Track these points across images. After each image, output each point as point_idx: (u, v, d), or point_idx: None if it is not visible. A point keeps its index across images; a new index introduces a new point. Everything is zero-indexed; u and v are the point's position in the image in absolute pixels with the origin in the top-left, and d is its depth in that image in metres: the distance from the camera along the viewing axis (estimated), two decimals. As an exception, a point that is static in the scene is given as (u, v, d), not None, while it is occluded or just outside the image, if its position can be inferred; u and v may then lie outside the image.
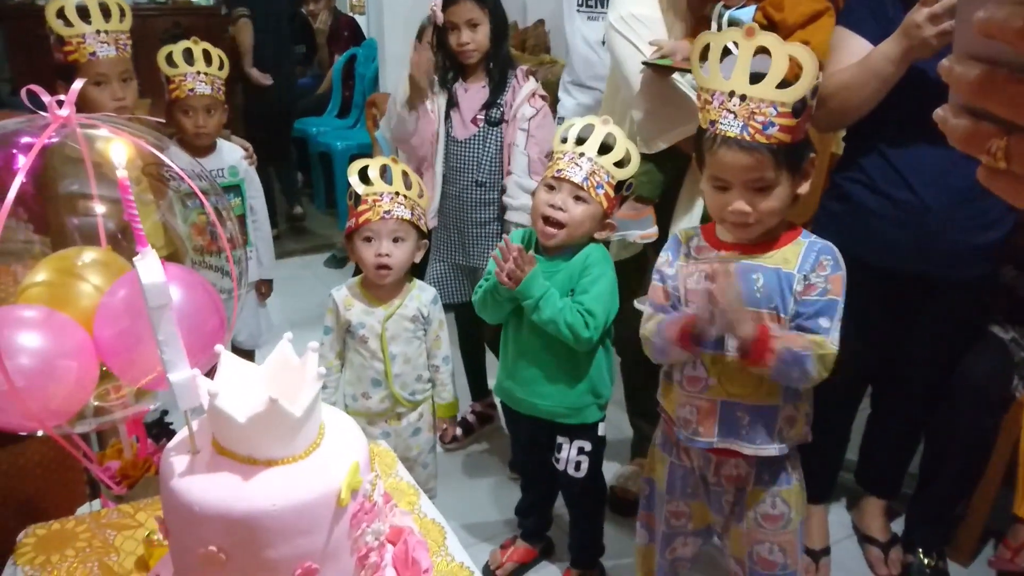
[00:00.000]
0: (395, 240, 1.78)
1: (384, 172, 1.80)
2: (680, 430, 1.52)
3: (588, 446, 1.84)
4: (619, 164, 1.70)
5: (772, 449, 1.47)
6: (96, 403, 1.20)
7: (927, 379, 2.03)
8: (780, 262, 1.42)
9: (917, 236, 1.76)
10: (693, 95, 1.99)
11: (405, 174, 1.82)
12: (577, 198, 1.68)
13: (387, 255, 1.77)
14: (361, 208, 1.76)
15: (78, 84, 1.12)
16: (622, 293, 1.81)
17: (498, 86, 2.28)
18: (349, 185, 1.79)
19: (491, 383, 2.37)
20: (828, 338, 1.41)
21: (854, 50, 1.75)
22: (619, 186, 1.72)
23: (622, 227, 1.95)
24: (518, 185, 2.26)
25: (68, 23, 1.95)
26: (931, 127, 1.54)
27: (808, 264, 1.41)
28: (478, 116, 2.30)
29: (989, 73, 0.45)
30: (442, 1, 2.22)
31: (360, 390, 1.90)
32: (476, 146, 2.31)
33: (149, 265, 0.70)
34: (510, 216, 2.29)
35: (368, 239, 1.78)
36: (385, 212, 1.75)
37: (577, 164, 1.67)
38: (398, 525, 0.83)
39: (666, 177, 2.01)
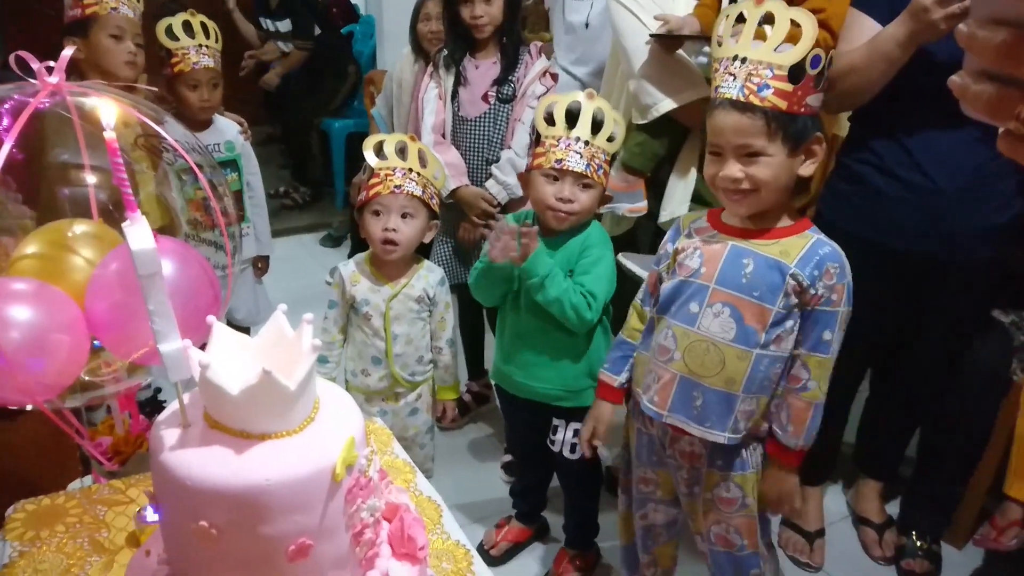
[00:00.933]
0: (404, 216, 1.76)
1: (402, 150, 1.79)
2: (641, 395, 1.52)
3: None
4: (611, 139, 1.68)
5: (720, 437, 1.43)
6: (88, 377, 1.19)
7: (932, 363, 2.02)
8: (778, 252, 1.38)
9: (927, 217, 1.75)
10: (695, 64, 1.97)
11: (422, 153, 1.80)
12: (584, 186, 1.67)
13: (394, 230, 1.75)
14: (372, 181, 1.75)
15: (68, 51, 1.09)
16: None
17: (511, 62, 2.23)
18: (363, 160, 1.78)
19: (489, 364, 2.36)
20: (828, 354, 1.41)
21: (864, 31, 1.73)
22: (612, 159, 1.71)
23: (617, 198, 1.95)
24: (511, 163, 2.23)
25: None
26: (941, 109, 1.54)
27: (810, 265, 1.36)
28: (489, 93, 2.25)
29: (1017, 36, 0.43)
30: None
31: (360, 367, 1.88)
32: (487, 124, 2.26)
33: (139, 232, 0.68)
34: (490, 186, 2.25)
35: (377, 213, 1.76)
36: (396, 187, 1.74)
37: (577, 152, 1.64)
38: (394, 502, 0.81)
39: (660, 150, 2.00)
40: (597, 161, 1.66)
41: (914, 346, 2.01)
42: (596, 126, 1.66)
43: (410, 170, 1.77)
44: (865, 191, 1.83)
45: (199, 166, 1.21)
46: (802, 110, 1.31)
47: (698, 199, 1.97)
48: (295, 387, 0.66)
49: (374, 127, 3.15)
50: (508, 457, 2.43)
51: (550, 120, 1.66)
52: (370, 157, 1.76)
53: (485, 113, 2.26)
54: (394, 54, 3.60)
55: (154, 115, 1.19)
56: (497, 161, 2.27)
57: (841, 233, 1.89)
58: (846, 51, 1.75)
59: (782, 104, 1.29)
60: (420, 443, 1.98)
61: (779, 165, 1.33)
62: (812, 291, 1.36)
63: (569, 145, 1.64)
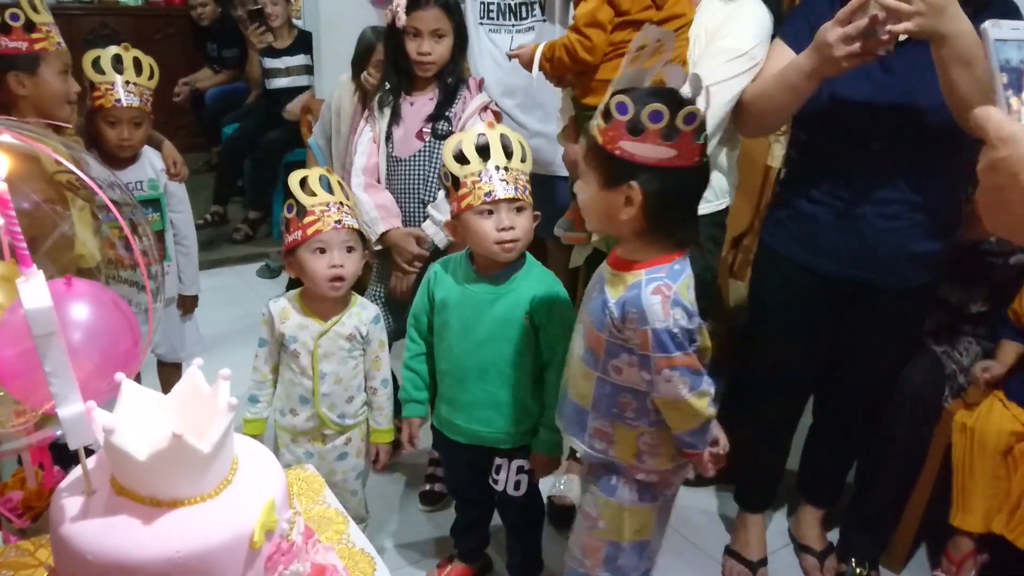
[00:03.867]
0: (348, 250, 1.72)
1: (325, 183, 1.73)
2: None
3: (527, 464, 1.80)
4: (523, 159, 1.67)
5: (579, 446, 1.50)
6: (-5, 429, 1.11)
7: (867, 389, 2.05)
8: (612, 286, 1.39)
9: (856, 243, 1.80)
10: None
11: (341, 185, 1.76)
12: (518, 210, 1.65)
13: (341, 266, 1.70)
14: (308, 220, 1.68)
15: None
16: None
17: (448, 97, 2.15)
18: (287, 196, 1.71)
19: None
20: (659, 394, 1.39)
21: (781, 60, 1.79)
22: (530, 180, 1.69)
23: (560, 225, 1.93)
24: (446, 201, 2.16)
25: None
26: (860, 145, 1.59)
27: (620, 306, 1.36)
28: (424, 129, 2.14)
29: None
30: (406, 2, 2.06)
31: (289, 405, 1.82)
32: (422, 162, 2.16)
33: (34, 289, 0.63)
34: (427, 227, 2.16)
35: (321, 250, 1.70)
36: (335, 222, 1.69)
37: (502, 180, 1.62)
38: (321, 563, 0.77)
39: None
40: (521, 183, 1.65)
41: (847, 373, 2.04)
42: (507, 152, 1.64)
43: (341, 203, 1.72)
44: (798, 217, 1.88)
45: (117, 204, 1.16)
46: (616, 151, 1.30)
47: None
48: (209, 449, 0.62)
49: (311, 157, 3.10)
50: (427, 486, 2.39)
51: (462, 159, 1.63)
52: (301, 195, 1.70)
53: (420, 151, 2.15)
54: (332, 82, 3.55)
55: (69, 153, 1.14)
56: (434, 201, 2.18)
57: (779, 258, 1.94)
58: (761, 78, 1.81)
59: (599, 138, 1.32)
60: (351, 489, 1.90)
61: (593, 193, 1.36)
62: (625, 331, 1.37)
63: (491, 176, 1.62)
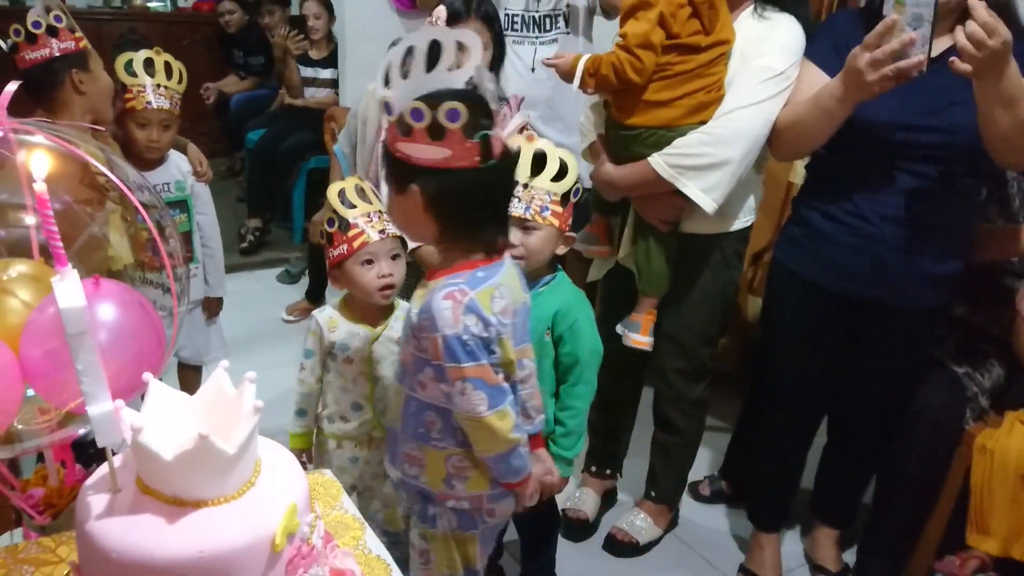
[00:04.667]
0: (393, 258, 1.73)
1: (361, 193, 1.73)
2: None
3: (541, 476, 1.79)
4: (556, 178, 1.63)
5: (393, 472, 1.50)
6: (20, 426, 1.13)
7: (880, 408, 2.04)
8: (420, 294, 1.37)
9: (872, 263, 1.79)
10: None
11: (374, 192, 1.77)
12: (526, 229, 1.64)
13: (391, 274, 1.71)
14: (353, 232, 1.68)
15: (12, 87, 1.06)
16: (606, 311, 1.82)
17: None
18: (309, 202, 1.73)
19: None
20: (458, 409, 1.35)
21: (812, 82, 1.77)
22: (565, 198, 1.64)
23: (579, 239, 1.94)
24: None
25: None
26: (879, 164, 1.60)
27: (417, 313, 1.34)
28: None
29: None
30: (446, 15, 2.02)
31: (339, 412, 1.81)
32: None
33: (68, 288, 0.64)
34: None
35: (368, 262, 1.70)
36: (380, 232, 1.70)
37: (516, 196, 1.62)
38: (339, 568, 0.78)
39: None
40: (539, 202, 1.63)
41: (859, 391, 2.03)
42: (539, 167, 1.64)
43: (380, 212, 1.73)
44: (813, 235, 1.87)
45: (146, 206, 1.17)
46: (396, 153, 1.26)
47: (635, 239, 1.99)
48: (234, 451, 0.63)
49: (335, 164, 3.11)
50: None
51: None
52: (341, 208, 1.70)
53: None
54: (355, 90, 3.58)
55: (100, 154, 1.15)
56: None
57: (792, 276, 1.94)
58: (793, 102, 1.79)
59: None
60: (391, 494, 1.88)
61: (391, 199, 1.34)
62: (421, 339, 1.33)
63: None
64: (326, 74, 4.50)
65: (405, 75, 1.25)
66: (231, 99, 5.26)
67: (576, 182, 1.66)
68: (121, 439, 0.66)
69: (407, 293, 2.22)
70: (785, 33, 1.83)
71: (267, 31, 5.12)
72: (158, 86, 2.10)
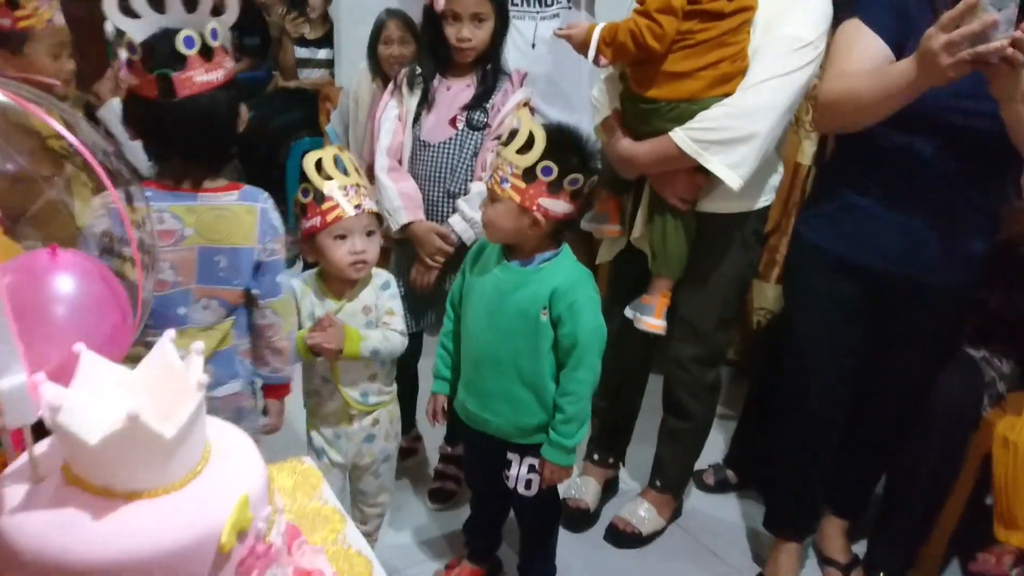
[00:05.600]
0: (368, 234, 1.66)
1: (338, 163, 1.65)
2: None
3: (539, 463, 1.70)
4: (522, 150, 1.53)
5: None
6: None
7: (899, 394, 1.94)
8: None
9: (906, 239, 1.69)
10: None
11: (355, 165, 1.68)
12: (491, 197, 1.57)
13: (363, 250, 1.64)
14: (327, 205, 1.60)
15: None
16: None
17: (489, 87, 2.02)
18: (302, 180, 1.63)
19: (419, 415, 2.23)
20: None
21: (868, 50, 1.62)
22: (530, 173, 1.53)
23: (588, 218, 1.84)
24: (480, 195, 1.97)
25: None
26: (917, 140, 1.46)
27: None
28: (458, 117, 2.01)
29: None
30: None
31: (312, 388, 1.77)
32: (451, 151, 2.03)
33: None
34: (455, 222, 2.03)
35: (342, 237, 1.63)
36: (355, 207, 1.62)
37: (490, 163, 1.56)
38: (305, 568, 0.69)
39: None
40: (501, 173, 1.55)
41: (881, 377, 1.93)
42: (509, 139, 1.55)
43: (358, 185, 1.65)
44: (848, 209, 1.76)
45: (112, 173, 1.09)
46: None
47: (650, 218, 1.89)
48: (173, 434, 0.54)
49: (328, 144, 3.03)
50: (437, 483, 2.31)
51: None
52: (317, 178, 1.62)
53: (451, 139, 2.02)
54: (352, 71, 3.48)
55: (63, 116, 1.07)
56: (460, 194, 2.03)
57: (819, 253, 1.82)
58: (848, 72, 1.63)
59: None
60: (374, 471, 1.84)
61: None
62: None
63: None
64: (322, 54, 4.39)
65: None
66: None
67: (543, 158, 1.53)
68: (34, 418, 0.57)
69: (401, 270, 2.15)
70: (814, 1, 1.72)
71: (263, 10, 5.01)
72: None
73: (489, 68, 2.03)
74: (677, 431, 2.13)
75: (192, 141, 1.43)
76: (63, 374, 0.87)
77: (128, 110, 1.47)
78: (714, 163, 1.72)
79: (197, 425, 0.58)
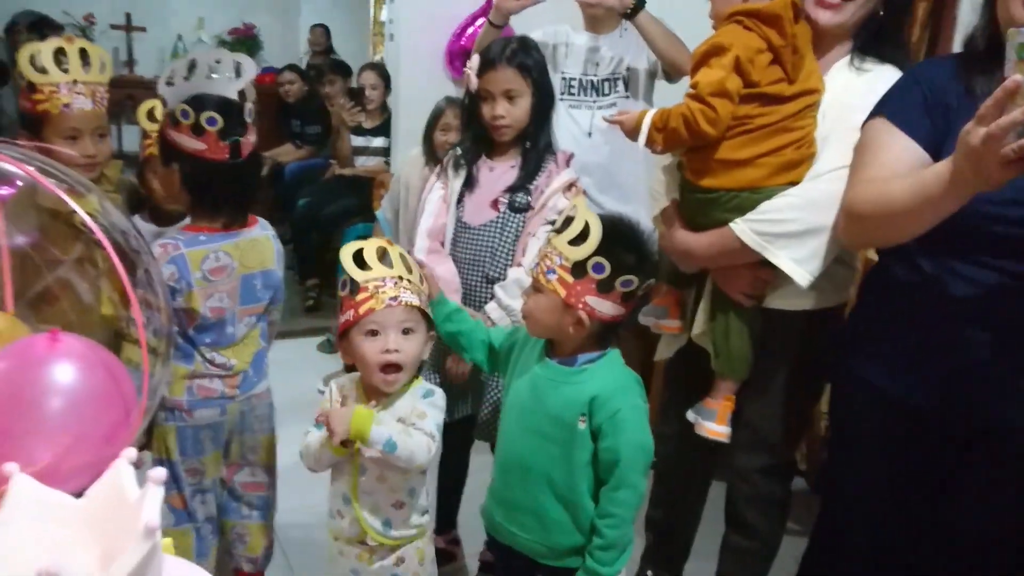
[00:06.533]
0: (404, 332, 1.49)
1: (383, 256, 1.53)
2: None
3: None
4: (575, 241, 1.39)
5: None
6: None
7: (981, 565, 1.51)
8: None
9: (965, 361, 1.39)
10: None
11: (403, 258, 1.55)
12: (535, 286, 1.45)
13: (396, 350, 1.47)
14: (361, 297, 1.47)
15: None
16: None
17: (533, 169, 1.95)
18: (343, 272, 1.51)
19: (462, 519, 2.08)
20: None
21: (897, 152, 1.39)
22: (580, 268, 1.39)
23: (646, 312, 1.70)
24: (519, 283, 1.88)
25: (42, 70, 1.74)
26: (968, 262, 1.21)
27: None
28: (500, 199, 1.94)
29: None
30: (479, 64, 1.93)
31: (335, 506, 1.58)
32: (492, 234, 1.94)
33: None
34: (490, 310, 1.92)
35: (373, 332, 1.48)
36: (391, 299, 1.47)
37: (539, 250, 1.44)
38: None
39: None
40: (548, 262, 1.42)
41: (954, 543, 1.51)
42: (563, 226, 1.43)
43: (400, 278, 1.50)
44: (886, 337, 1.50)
45: (124, 252, 1.01)
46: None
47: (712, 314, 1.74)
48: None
49: (378, 230, 2.99)
50: None
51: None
52: (352, 268, 1.49)
53: (492, 221, 1.94)
54: (404, 156, 3.48)
55: (75, 186, 1.00)
56: (499, 279, 1.94)
57: (859, 382, 1.53)
58: (876, 178, 1.39)
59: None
60: None
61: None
62: None
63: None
64: (377, 142, 4.47)
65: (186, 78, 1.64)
66: (285, 168, 5.26)
67: (596, 254, 1.38)
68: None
69: (436, 362, 2.00)
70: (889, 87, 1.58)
71: (327, 100, 5.15)
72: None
73: (529, 147, 1.96)
74: (741, 551, 1.91)
75: (245, 191, 1.75)
76: (53, 474, 0.77)
77: (187, 173, 1.67)
78: (780, 257, 1.57)
79: None
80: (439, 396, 1.57)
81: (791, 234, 1.57)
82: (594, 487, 1.46)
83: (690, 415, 1.76)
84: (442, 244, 2.02)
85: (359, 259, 1.51)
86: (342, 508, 1.57)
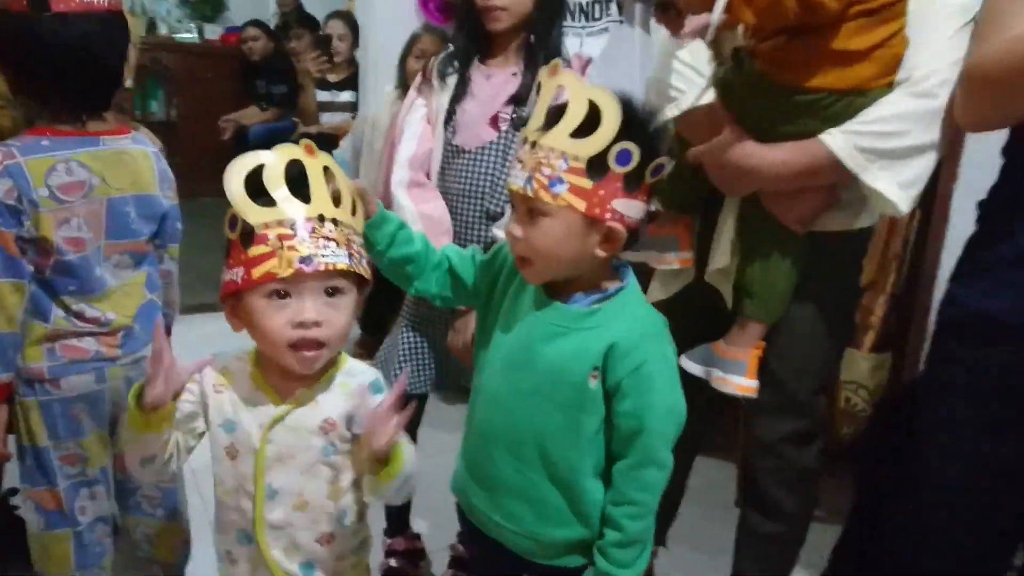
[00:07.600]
0: (329, 293, 1.03)
1: (297, 180, 1.01)
2: None
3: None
4: (580, 132, 1.01)
5: None
6: None
7: None
8: None
9: None
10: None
11: (327, 171, 1.04)
12: (531, 212, 1.04)
13: (315, 322, 1.02)
14: (256, 252, 0.99)
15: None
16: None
17: (537, 73, 1.60)
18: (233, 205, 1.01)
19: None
20: None
21: None
22: (598, 165, 1.02)
23: (643, 245, 1.33)
24: None
25: None
26: None
27: None
28: (502, 114, 1.57)
29: None
30: None
31: (225, 546, 1.13)
32: (493, 159, 1.57)
33: None
34: (497, 233, 1.58)
35: (280, 295, 1.02)
36: (302, 260, 0.99)
37: (519, 160, 1.05)
38: None
39: (702, 180, 1.41)
40: (547, 171, 1.02)
41: None
42: (553, 118, 1.03)
43: (321, 218, 1.01)
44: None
45: None
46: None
47: (747, 246, 1.41)
48: None
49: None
50: None
51: None
52: (243, 201, 0.99)
53: (492, 143, 1.57)
54: (377, 104, 3.16)
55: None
56: (503, 215, 1.57)
57: (994, 333, 1.13)
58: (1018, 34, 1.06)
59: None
60: None
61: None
62: None
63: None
64: (344, 97, 4.17)
65: None
66: (250, 131, 4.95)
67: (617, 141, 1.01)
68: None
69: (418, 322, 1.63)
70: None
71: (293, 56, 4.85)
72: None
73: (536, 43, 1.57)
74: (763, 535, 1.58)
75: (66, 70, 1.29)
76: None
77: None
78: (883, 181, 1.24)
79: None
80: (382, 385, 1.14)
81: (898, 152, 1.23)
82: (601, 465, 1.12)
83: (697, 368, 1.44)
84: (428, 177, 1.65)
85: (257, 183, 1.00)
86: (235, 548, 1.11)
